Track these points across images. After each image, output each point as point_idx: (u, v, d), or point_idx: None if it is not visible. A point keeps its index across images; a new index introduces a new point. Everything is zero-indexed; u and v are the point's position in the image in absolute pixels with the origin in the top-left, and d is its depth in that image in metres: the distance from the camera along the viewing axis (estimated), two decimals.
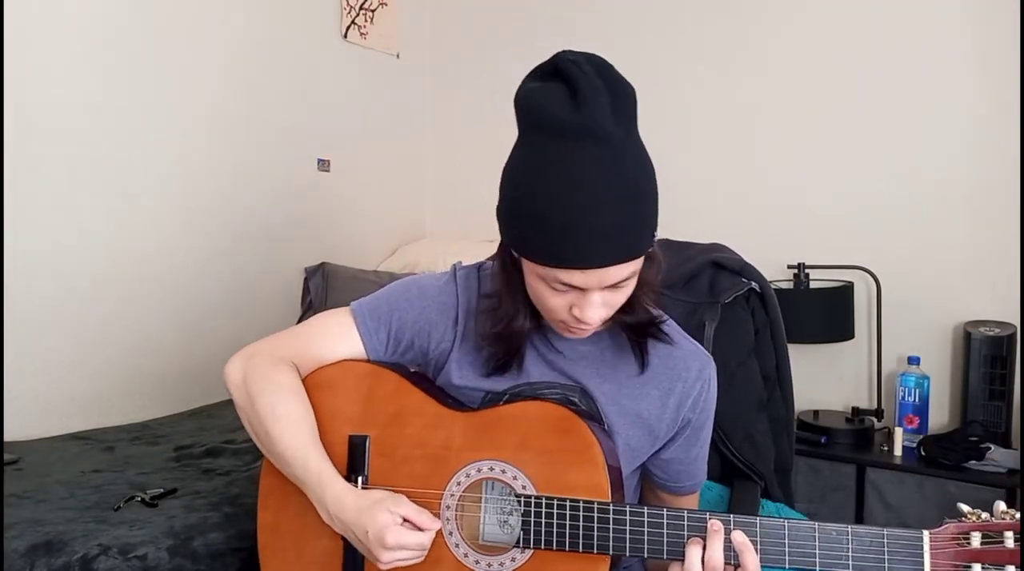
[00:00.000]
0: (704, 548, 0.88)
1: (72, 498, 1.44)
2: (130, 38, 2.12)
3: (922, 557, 0.85)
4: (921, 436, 2.21)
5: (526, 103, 0.84)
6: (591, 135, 0.80)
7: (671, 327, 1.06)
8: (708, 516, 0.90)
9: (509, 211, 0.88)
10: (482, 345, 1.01)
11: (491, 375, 1.02)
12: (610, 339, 1.04)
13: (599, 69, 0.83)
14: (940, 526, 0.85)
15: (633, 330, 1.00)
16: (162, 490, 1.48)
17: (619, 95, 0.83)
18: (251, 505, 1.40)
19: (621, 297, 0.91)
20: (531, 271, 0.90)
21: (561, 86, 0.82)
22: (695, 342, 1.06)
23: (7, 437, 1.84)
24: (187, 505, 1.41)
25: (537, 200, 0.83)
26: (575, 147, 0.80)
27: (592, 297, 0.88)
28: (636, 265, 0.88)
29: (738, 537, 0.88)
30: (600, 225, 0.82)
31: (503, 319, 0.97)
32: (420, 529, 0.93)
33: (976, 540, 0.84)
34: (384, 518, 0.91)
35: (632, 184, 0.83)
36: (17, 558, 1.21)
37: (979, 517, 0.85)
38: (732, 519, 0.90)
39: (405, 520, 0.93)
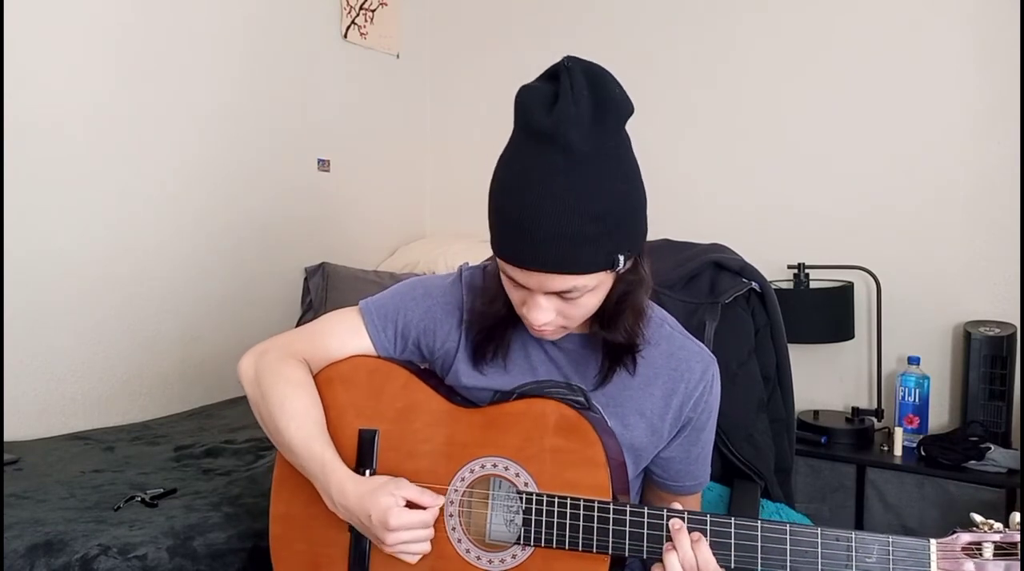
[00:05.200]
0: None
1: (72, 498, 1.44)
2: (130, 39, 2.12)
3: (928, 567, 0.82)
4: (921, 436, 2.21)
5: (517, 99, 0.86)
6: (553, 141, 0.81)
7: (675, 327, 1.06)
8: (707, 517, 0.89)
9: (488, 199, 0.90)
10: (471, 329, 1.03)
11: (477, 364, 1.03)
12: None
13: (592, 80, 0.83)
14: (950, 535, 0.82)
15: (606, 349, 0.99)
16: (162, 490, 1.48)
17: (604, 110, 0.82)
18: (251, 505, 1.41)
19: (577, 310, 0.91)
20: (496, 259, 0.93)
21: (550, 89, 0.83)
22: (699, 342, 1.06)
23: (7, 437, 1.84)
24: (187, 505, 1.41)
25: (498, 192, 0.87)
26: (537, 149, 0.82)
27: (538, 299, 0.89)
28: (585, 280, 0.86)
29: (693, 536, 0.88)
30: (542, 230, 0.82)
31: (486, 300, 1.01)
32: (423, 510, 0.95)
33: (989, 552, 0.80)
34: (386, 501, 0.92)
35: (586, 199, 0.82)
36: (17, 558, 1.21)
37: (992, 527, 0.81)
38: (732, 521, 0.88)
39: (408, 502, 0.94)
